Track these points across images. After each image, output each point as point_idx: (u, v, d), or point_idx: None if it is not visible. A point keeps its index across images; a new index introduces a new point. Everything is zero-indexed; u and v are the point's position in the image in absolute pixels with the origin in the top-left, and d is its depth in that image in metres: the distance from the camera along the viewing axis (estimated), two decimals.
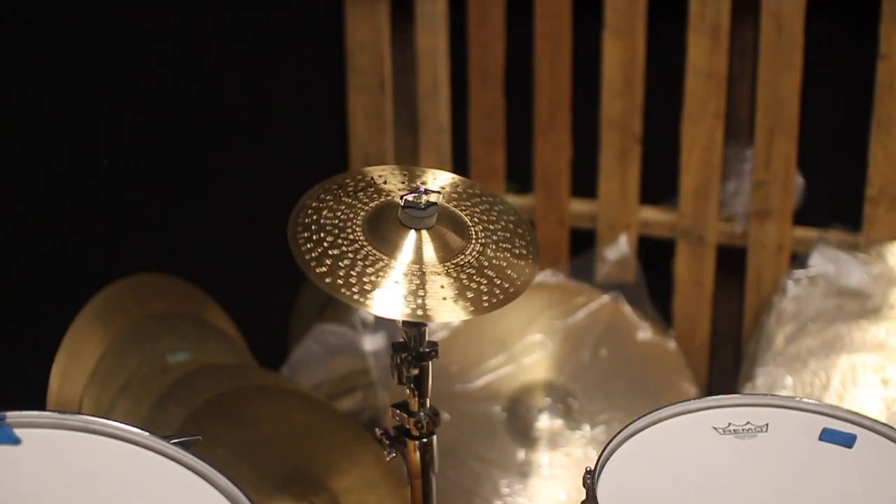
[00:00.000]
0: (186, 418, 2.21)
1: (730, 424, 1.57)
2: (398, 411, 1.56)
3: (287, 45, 2.80)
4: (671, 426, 1.57)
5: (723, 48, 2.66)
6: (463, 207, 1.52)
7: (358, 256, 1.42)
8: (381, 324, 2.79)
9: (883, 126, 2.59)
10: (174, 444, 1.39)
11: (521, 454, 2.58)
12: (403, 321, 1.48)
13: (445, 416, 2.37)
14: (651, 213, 2.84)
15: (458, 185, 1.55)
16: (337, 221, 1.46)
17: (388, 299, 1.39)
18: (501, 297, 1.43)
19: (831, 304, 2.61)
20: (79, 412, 2.07)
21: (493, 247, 1.48)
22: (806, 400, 1.61)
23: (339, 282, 1.39)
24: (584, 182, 2.85)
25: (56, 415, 1.39)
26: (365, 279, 1.40)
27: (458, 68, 2.87)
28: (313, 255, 1.42)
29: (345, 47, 2.90)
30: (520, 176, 2.91)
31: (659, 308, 2.79)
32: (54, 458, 1.36)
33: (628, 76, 2.73)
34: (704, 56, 2.66)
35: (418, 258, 1.43)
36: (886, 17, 2.53)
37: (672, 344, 2.70)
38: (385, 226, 1.46)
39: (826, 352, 2.52)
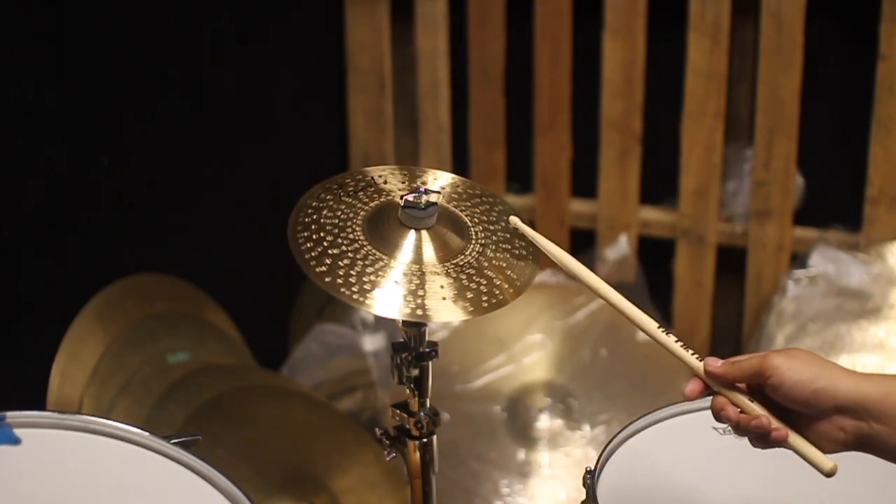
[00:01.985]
0: (186, 418, 2.21)
1: None
2: (398, 411, 1.56)
3: (287, 45, 2.80)
4: (671, 426, 1.57)
5: (723, 48, 2.66)
6: (463, 208, 1.52)
7: (358, 256, 1.42)
8: (381, 324, 2.79)
9: (883, 126, 2.59)
10: (174, 444, 1.39)
11: (521, 454, 2.57)
12: (403, 321, 1.48)
13: (445, 416, 2.36)
14: (651, 213, 2.84)
15: (458, 186, 1.55)
16: (337, 221, 1.45)
17: (387, 299, 1.39)
18: (501, 297, 1.43)
19: (831, 304, 2.61)
20: (79, 412, 2.07)
21: (493, 247, 1.48)
22: None
23: (339, 281, 1.39)
24: (584, 182, 2.85)
25: (56, 415, 1.39)
26: (365, 279, 1.40)
27: (458, 68, 2.87)
28: (313, 254, 1.42)
29: (345, 47, 2.90)
30: (520, 176, 2.91)
31: (659, 308, 2.80)
32: (54, 458, 1.36)
33: (628, 76, 2.73)
34: (704, 56, 2.66)
35: (418, 258, 1.43)
36: (886, 17, 2.53)
37: None
38: (385, 226, 1.45)
39: (826, 352, 2.52)
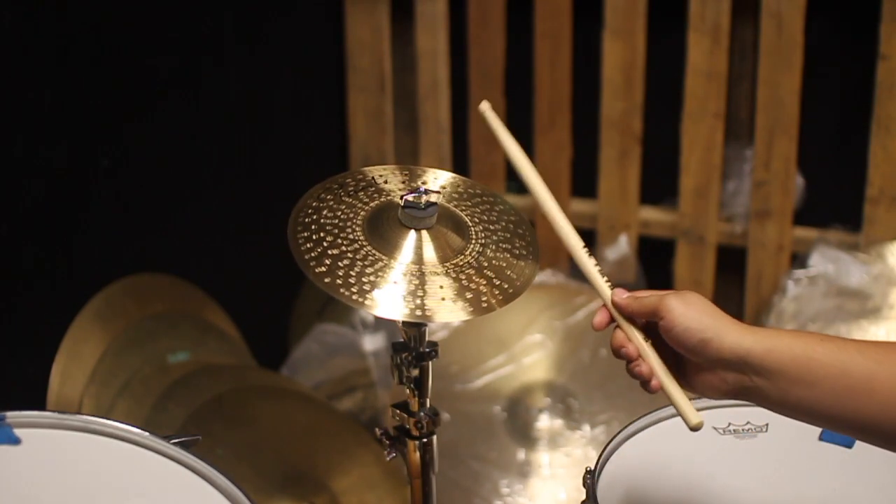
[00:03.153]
0: (186, 418, 2.21)
1: (730, 424, 1.57)
2: (398, 411, 1.56)
3: (287, 45, 2.80)
4: (671, 426, 1.57)
5: (723, 48, 2.66)
6: (463, 207, 1.52)
7: (357, 256, 1.42)
8: (381, 324, 2.79)
9: (883, 126, 2.59)
10: (174, 444, 1.39)
11: (521, 454, 2.57)
12: (403, 321, 1.48)
13: (445, 416, 2.36)
14: (651, 213, 2.84)
15: (458, 185, 1.55)
16: (337, 221, 1.45)
17: (387, 299, 1.39)
18: (501, 297, 1.43)
19: (831, 304, 2.60)
20: (79, 412, 2.07)
21: (494, 247, 1.48)
22: None
23: (339, 282, 1.39)
24: (584, 182, 2.85)
25: (56, 415, 1.39)
26: (364, 279, 1.40)
27: (458, 68, 2.87)
28: (313, 254, 1.41)
29: (345, 47, 2.90)
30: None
31: None
32: (54, 458, 1.36)
33: (628, 76, 2.73)
34: (704, 56, 2.66)
35: (418, 258, 1.43)
36: (886, 17, 2.53)
37: None
38: (385, 226, 1.45)
39: None
